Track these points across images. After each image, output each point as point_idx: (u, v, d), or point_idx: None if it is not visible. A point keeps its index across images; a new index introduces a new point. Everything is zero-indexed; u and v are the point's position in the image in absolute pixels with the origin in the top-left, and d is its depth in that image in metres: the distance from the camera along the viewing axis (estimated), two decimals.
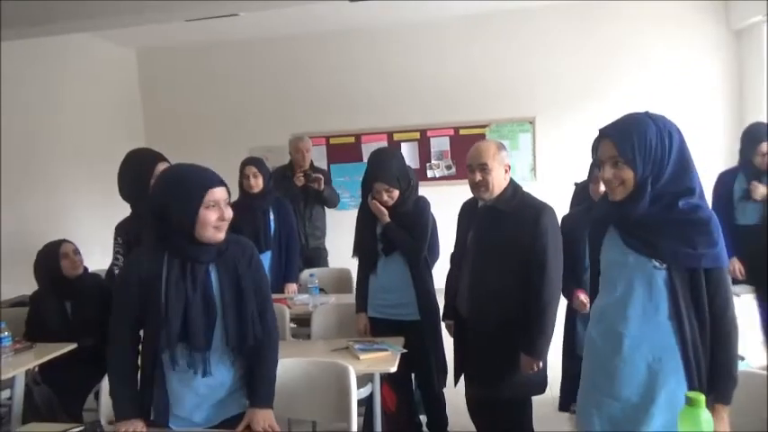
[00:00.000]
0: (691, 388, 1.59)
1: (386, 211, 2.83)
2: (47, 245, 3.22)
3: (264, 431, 1.83)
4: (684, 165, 1.62)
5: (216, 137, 6.36)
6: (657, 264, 1.62)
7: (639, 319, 1.65)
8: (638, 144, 1.62)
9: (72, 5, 3.95)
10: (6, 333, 2.83)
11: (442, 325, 2.83)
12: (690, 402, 1.34)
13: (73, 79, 5.52)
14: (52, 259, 3.15)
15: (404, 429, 2.91)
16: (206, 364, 1.81)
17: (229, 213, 1.82)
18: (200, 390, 1.84)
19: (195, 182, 1.79)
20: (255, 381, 1.90)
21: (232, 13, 4.46)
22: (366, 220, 2.93)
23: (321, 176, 4.31)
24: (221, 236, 1.82)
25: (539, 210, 2.34)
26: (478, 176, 2.36)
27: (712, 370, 1.62)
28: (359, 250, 3.00)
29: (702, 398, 1.34)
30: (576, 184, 3.56)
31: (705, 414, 1.34)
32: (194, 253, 1.80)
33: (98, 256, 4.03)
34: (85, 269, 3.30)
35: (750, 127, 3.71)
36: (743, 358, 2.17)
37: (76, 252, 3.23)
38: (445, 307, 2.74)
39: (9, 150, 4.72)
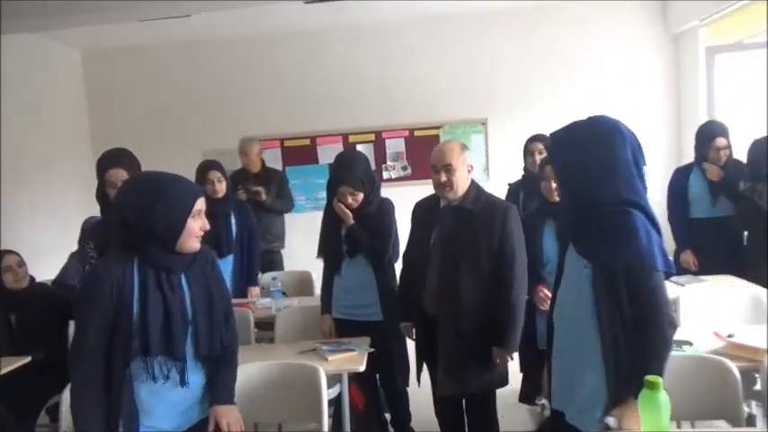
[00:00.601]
0: (607, 382, 1.66)
1: (350, 214, 2.85)
2: None
3: (228, 425, 1.82)
4: (612, 171, 1.66)
5: (167, 140, 6.17)
6: (585, 263, 1.71)
7: (572, 312, 1.77)
8: (556, 149, 1.77)
9: (27, 5, 3.78)
10: None
11: None
12: (648, 385, 1.43)
13: (17, 80, 5.25)
14: None
15: (371, 427, 2.95)
16: (184, 374, 1.78)
17: (207, 223, 1.82)
18: (173, 398, 1.81)
19: (185, 191, 1.78)
20: (218, 383, 1.88)
21: (185, 13, 4.38)
22: (331, 222, 2.95)
23: (261, 189, 4.29)
24: (198, 245, 1.82)
25: (505, 210, 2.42)
26: (443, 177, 2.41)
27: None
28: (324, 252, 3.02)
29: (660, 381, 1.42)
30: (510, 185, 3.74)
31: (663, 396, 1.43)
32: (169, 262, 1.77)
33: (47, 264, 3.86)
34: (32, 279, 3.18)
35: (703, 126, 3.97)
36: (691, 344, 2.30)
37: (21, 264, 3.10)
38: (402, 308, 2.73)
39: None
